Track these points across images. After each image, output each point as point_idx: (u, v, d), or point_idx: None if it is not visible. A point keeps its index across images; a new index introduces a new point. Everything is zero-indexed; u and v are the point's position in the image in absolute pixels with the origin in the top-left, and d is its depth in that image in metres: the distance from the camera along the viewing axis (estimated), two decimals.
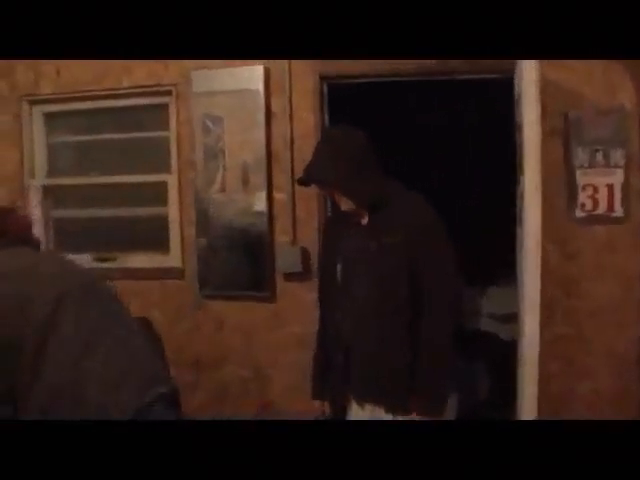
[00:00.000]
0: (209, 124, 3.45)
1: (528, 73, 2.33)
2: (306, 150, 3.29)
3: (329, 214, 3.40)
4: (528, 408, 2.36)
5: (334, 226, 2.64)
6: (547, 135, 2.98)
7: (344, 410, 2.54)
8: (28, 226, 2.20)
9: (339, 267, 2.53)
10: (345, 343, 2.48)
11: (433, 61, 3.02)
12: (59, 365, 1.82)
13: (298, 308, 3.36)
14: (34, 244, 2.17)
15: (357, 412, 2.49)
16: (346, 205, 2.46)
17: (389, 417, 2.39)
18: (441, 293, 2.35)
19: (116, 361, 1.89)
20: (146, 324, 3.02)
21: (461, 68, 3.09)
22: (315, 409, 3.25)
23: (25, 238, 2.13)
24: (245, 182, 3.41)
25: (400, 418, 2.36)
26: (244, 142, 3.39)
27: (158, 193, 3.69)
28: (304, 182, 2.55)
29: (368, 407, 2.45)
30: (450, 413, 2.55)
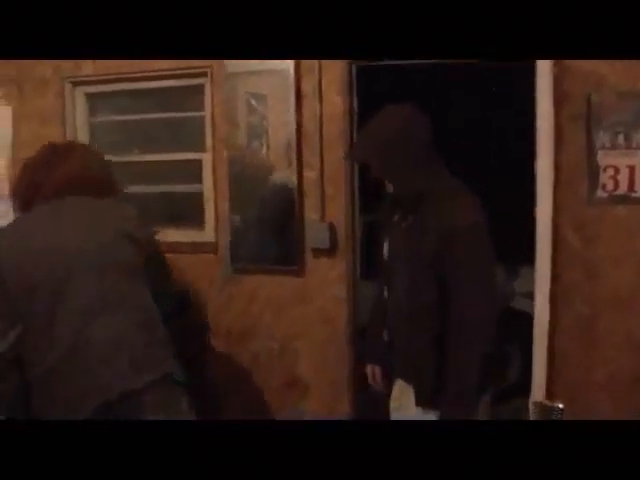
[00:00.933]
0: (253, 102, 3.57)
1: (542, 64, 2.41)
2: (335, 131, 3.42)
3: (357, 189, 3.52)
4: (538, 387, 2.46)
5: (386, 201, 2.55)
6: (570, 119, 3.03)
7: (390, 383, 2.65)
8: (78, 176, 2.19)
9: (385, 246, 2.55)
10: (388, 322, 2.54)
11: None
12: (67, 329, 1.89)
13: (325, 283, 3.50)
14: (101, 193, 2.20)
15: (398, 386, 2.58)
16: (388, 189, 2.40)
17: (417, 409, 2.40)
18: (471, 302, 2.25)
19: (118, 334, 1.95)
20: (185, 297, 3.05)
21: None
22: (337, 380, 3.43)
23: (84, 188, 2.16)
24: (287, 160, 3.52)
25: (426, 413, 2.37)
26: (286, 121, 3.50)
27: (194, 171, 3.83)
28: (349, 160, 2.56)
29: (403, 386, 2.50)
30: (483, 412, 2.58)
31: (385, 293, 2.57)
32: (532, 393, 2.48)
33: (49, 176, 2.16)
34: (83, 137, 4.06)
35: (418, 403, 2.38)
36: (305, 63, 3.44)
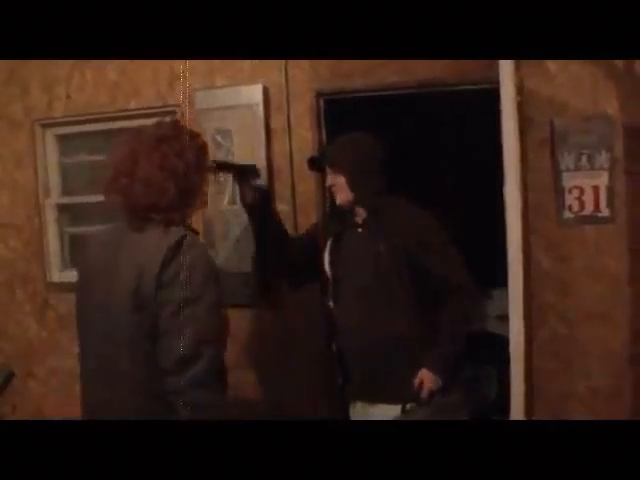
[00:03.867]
0: (219, 138, 3.61)
1: (505, 88, 2.48)
2: (305, 164, 3.46)
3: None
4: (516, 406, 2.50)
5: (328, 225, 2.76)
6: (534, 143, 3.13)
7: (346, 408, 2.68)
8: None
9: (326, 260, 2.68)
10: (338, 331, 2.65)
11: (425, 75, 3.18)
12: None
13: (302, 313, 3.50)
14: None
15: (357, 410, 2.64)
16: (343, 199, 2.58)
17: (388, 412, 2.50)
18: (456, 277, 2.57)
19: None
20: None
21: (454, 80, 3.21)
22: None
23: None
24: None
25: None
26: (252, 155, 3.51)
27: None
28: (317, 162, 2.69)
29: (364, 404, 2.60)
30: (456, 413, 2.66)
31: (330, 304, 2.66)
32: (511, 412, 2.51)
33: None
34: (55, 178, 4.06)
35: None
36: (274, 100, 3.50)
